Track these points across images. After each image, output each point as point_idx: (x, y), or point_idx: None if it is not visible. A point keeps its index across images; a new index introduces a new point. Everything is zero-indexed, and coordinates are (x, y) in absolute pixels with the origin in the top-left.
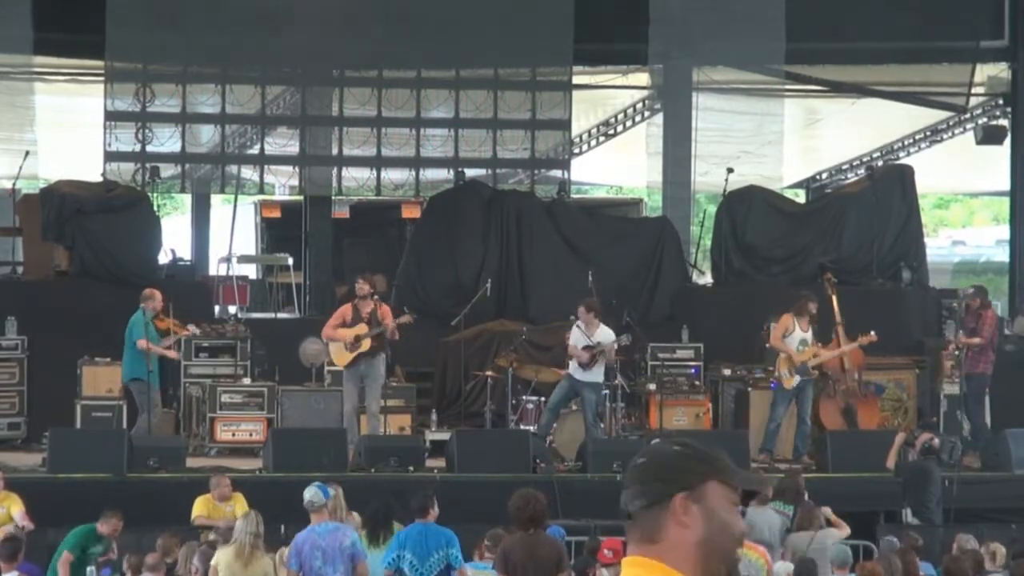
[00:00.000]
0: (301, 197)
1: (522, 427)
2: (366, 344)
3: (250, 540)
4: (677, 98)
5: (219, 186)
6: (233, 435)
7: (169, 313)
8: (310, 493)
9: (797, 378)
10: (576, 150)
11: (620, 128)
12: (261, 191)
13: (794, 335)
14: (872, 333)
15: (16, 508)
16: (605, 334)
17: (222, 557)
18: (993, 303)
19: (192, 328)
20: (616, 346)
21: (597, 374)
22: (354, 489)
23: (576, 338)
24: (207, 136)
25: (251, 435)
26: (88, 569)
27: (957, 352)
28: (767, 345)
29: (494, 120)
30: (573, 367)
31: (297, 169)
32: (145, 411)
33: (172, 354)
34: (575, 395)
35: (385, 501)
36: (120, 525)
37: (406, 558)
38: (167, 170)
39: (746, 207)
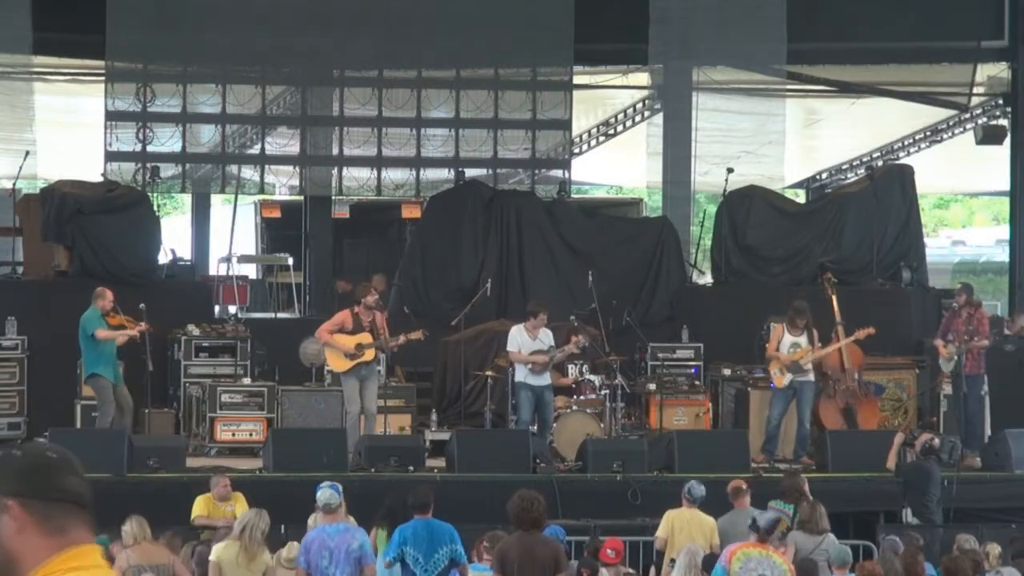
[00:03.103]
0: (301, 197)
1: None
2: (370, 354)
3: (259, 536)
4: (677, 98)
5: (219, 186)
6: (233, 435)
7: (118, 311)
8: (326, 495)
9: (789, 376)
10: (576, 150)
11: (620, 128)
12: (261, 191)
13: (784, 341)
14: (870, 327)
15: None
16: (551, 337)
17: (224, 554)
18: (992, 303)
19: (144, 324)
20: (577, 349)
21: (548, 376)
22: (353, 490)
23: (520, 343)
24: (207, 136)
25: (251, 435)
26: None
27: (956, 356)
28: (766, 355)
29: (494, 120)
30: (524, 373)
31: (297, 169)
32: (101, 409)
33: (135, 332)
34: (537, 399)
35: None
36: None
37: (410, 554)
38: (167, 170)
39: (746, 207)
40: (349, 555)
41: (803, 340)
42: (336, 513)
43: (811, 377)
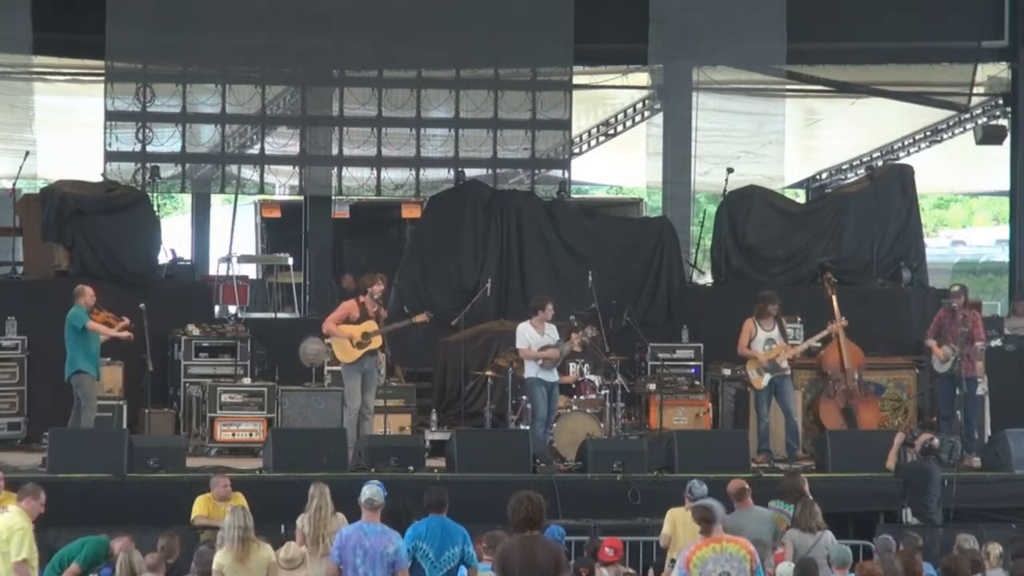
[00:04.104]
0: (301, 197)
1: (522, 427)
2: (377, 341)
3: (240, 535)
4: (677, 98)
5: (219, 186)
6: (233, 435)
7: (100, 308)
8: (371, 491)
9: (767, 376)
10: (576, 150)
11: (620, 128)
12: (261, 191)
13: (758, 337)
14: (843, 319)
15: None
16: (555, 331)
17: (223, 561)
18: (992, 303)
19: (127, 320)
20: (579, 348)
21: (556, 372)
22: (354, 489)
23: (529, 339)
24: (207, 136)
25: (251, 435)
26: None
27: (952, 358)
28: (739, 352)
29: (494, 120)
30: (535, 369)
31: (297, 169)
32: (86, 405)
33: (125, 334)
34: (548, 395)
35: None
36: (131, 546)
37: (421, 549)
38: (167, 170)
39: (746, 207)
40: (384, 558)
41: (775, 334)
42: (376, 512)
43: (788, 373)
